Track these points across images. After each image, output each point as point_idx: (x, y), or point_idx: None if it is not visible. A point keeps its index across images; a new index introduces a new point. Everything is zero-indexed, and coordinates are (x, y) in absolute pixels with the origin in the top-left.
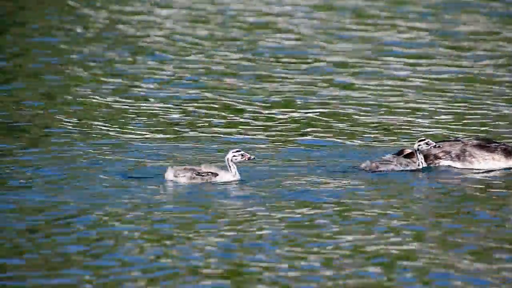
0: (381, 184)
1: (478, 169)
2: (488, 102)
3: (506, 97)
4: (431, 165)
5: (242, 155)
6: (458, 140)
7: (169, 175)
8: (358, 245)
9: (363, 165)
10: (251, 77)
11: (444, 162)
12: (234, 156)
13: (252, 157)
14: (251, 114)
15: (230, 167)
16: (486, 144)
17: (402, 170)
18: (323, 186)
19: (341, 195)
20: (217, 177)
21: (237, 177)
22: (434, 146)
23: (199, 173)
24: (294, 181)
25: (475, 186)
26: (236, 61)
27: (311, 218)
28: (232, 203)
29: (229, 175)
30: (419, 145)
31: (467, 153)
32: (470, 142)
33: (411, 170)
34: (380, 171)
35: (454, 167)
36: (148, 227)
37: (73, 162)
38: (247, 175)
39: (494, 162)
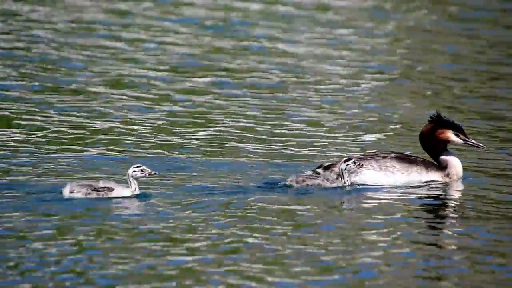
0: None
1: (400, 184)
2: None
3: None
4: (354, 177)
5: (142, 171)
6: (376, 155)
7: (66, 191)
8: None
9: (289, 180)
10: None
11: (366, 172)
12: (134, 171)
13: (153, 172)
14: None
15: (130, 182)
16: (405, 157)
17: (328, 187)
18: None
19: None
20: (113, 192)
21: (137, 192)
22: (359, 165)
23: (94, 188)
24: (199, 197)
25: (404, 203)
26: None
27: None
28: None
29: (127, 191)
30: (347, 165)
31: (388, 164)
32: (389, 155)
33: (338, 187)
34: (307, 185)
35: (375, 184)
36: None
37: None
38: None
39: (415, 174)
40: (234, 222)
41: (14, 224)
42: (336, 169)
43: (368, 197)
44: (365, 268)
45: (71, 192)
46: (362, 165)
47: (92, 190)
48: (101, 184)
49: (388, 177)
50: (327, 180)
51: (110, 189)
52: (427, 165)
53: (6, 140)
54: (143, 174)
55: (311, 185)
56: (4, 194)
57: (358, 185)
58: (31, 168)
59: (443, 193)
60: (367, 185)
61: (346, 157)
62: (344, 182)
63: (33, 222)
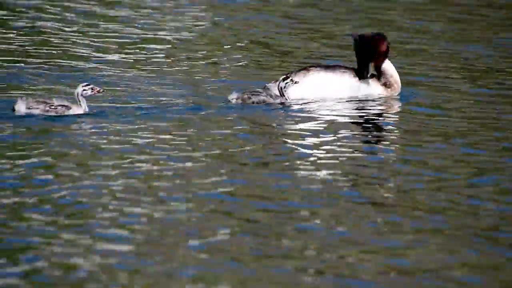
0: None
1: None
2: None
3: None
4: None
5: (92, 89)
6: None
7: (21, 107)
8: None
9: (231, 97)
10: None
11: (314, 72)
12: (84, 90)
13: (102, 89)
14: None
15: (80, 101)
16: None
17: (272, 103)
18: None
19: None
20: (70, 110)
21: (87, 110)
22: (295, 83)
23: (52, 105)
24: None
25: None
26: None
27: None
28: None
29: (80, 110)
30: (286, 83)
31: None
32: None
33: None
34: (252, 102)
35: (312, 99)
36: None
37: None
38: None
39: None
40: (185, 139)
41: None
42: (275, 86)
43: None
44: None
45: (29, 108)
46: (297, 82)
47: (50, 108)
48: (56, 102)
49: (335, 73)
50: (270, 96)
51: (68, 107)
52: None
53: None
54: (93, 93)
55: (256, 102)
56: None
57: (297, 100)
58: None
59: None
60: (306, 100)
61: (284, 75)
62: (286, 99)
63: None
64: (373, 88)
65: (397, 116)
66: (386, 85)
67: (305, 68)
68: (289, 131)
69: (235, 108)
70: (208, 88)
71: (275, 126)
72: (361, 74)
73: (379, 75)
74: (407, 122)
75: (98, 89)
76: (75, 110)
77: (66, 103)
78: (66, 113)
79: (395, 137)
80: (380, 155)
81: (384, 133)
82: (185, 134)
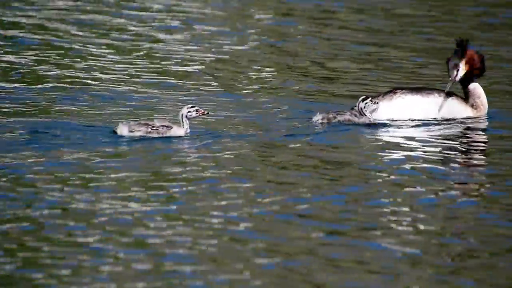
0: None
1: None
2: None
3: None
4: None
5: (197, 111)
6: (392, 91)
7: (123, 130)
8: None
9: (316, 118)
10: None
11: (401, 94)
12: (189, 111)
13: (207, 112)
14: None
15: (183, 122)
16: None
17: (358, 123)
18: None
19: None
20: (171, 131)
21: (188, 131)
22: (375, 103)
23: (153, 126)
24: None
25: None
26: None
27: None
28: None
29: (182, 130)
30: (365, 104)
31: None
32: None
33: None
34: (338, 121)
35: (395, 119)
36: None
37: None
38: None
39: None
40: (284, 159)
41: (78, 165)
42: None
43: (387, 135)
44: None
45: (131, 131)
46: (377, 102)
47: (152, 129)
48: (157, 123)
49: (422, 95)
50: (355, 115)
51: (169, 128)
52: (461, 99)
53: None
54: (198, 114)
55: (342, 121)
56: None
57: (380, 121)
58: (74, 108)
59: (466, 129)
60: (388, 120)
61: (363, 96)
62: (369, 118)
63: (98, 162)
64: (460, 109)
65: (484, 138)
66: (473, 106)
67: (391, 90)
68: (375, 151)
69: (321, 130)
70: (282, 111)
71: (363, 147)
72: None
73: (467, 96)
74: (493, 144)
75: (202, 111)
76: (176, 130)
77: (167, 124)
78: (168, 133)
79: (481, 161)
80: (467, 178)
81: (471, 155)
82: (284, 158)
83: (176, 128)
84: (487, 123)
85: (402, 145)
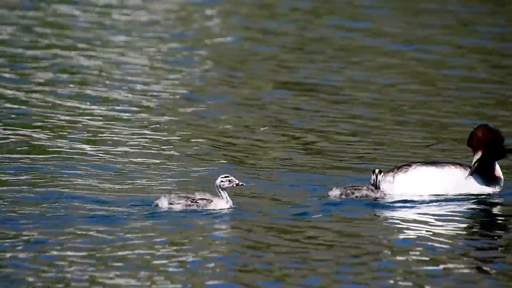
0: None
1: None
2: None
3: None
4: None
5: (230, 181)
6: (409, 165)
7: (164, 203)
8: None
9: (332, 193)
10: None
11: (416, 166)
12: (221, 181)
13: (241, 183)
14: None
15: (220, 193)
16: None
17: (375, 198)
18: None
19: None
20: (211, 203)
21: (230, 203)
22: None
23: (193, 199)
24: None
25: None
26: None
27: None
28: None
29: (223, 202)
30: (377, 177)
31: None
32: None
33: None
34: (356, 197)
35: (411, 194)
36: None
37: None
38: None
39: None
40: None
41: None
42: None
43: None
44: None
45: (171, 204)
46: (238, 183)
47: (192, 202)
48: (198, 195)
49: (437, 167)
50: (372, 190)
51: (209, 201)
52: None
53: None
54: (231, 185)
55: (360, 196)
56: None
57: (397, 194)
58: (111, 184)
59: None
60: (403, 195)
61: (376, 169)
62: (382, 192)
63: (142, 237)
64: (478, 185)
65: (501, 214)
66: (491, 181)
67: (408, 164)
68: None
69: (337, 204)
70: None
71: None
72: (479, 169)
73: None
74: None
75: (237, 181)
76: (217, 203)
77: (207, 196)
78: (208, 206)
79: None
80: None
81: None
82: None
83: (217, 200)
84: (503, 198)
85: (418, 222)
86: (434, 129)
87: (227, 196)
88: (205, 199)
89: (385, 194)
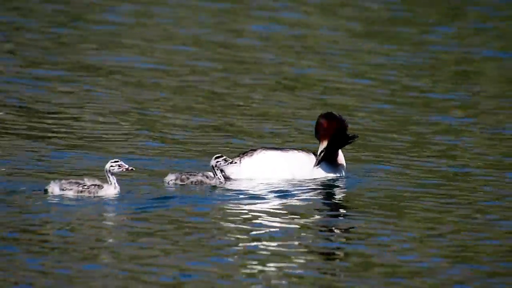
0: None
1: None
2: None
3: None
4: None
5: (120, 166)
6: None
7: (55, 189)
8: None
9: (168, 179)
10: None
11: (262, 150)
12: (111, 166)
13: (131, 168)
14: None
15: (109, 178)
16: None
17: (208, 184)
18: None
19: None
20: (102, 189)
21: (118, 189)
22: (231, 162)
23: (85, 185)
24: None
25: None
26: None
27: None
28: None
29: (112, 188)
30: (217, 162)
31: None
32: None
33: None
34: (191, 182)
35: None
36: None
37: None
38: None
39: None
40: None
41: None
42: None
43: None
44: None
45: (62, 189)
46: (232, 161)
47: (84, 188)
48: (87, 181)
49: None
50: (207, 177)
51: (100, 187)
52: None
53: None
54: (120, 169)
55: (195, 182)
56: None
57: (232, 180)
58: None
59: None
60: (243, 180)
61: (218, 154)
62: (218, 179)
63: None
64: (322, 171)
65: (343, 198)
66: (335, 168)
67: (254, 149)
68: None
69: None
70: None
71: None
72: (328, 156)
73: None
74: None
75: (126, 166)
76: (106, 189)
77: (98, 182)
78: (98, 193)
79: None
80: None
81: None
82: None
83: (107, 187)
84: (346, 183)
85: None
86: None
87: (115, 182)
88: (95, 185)
89: (220, 181)
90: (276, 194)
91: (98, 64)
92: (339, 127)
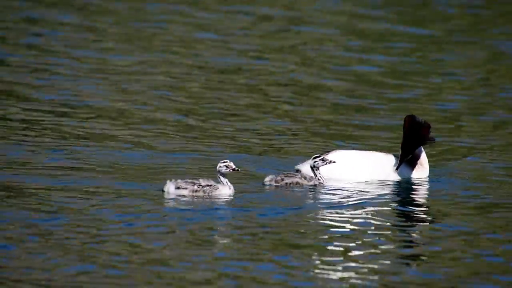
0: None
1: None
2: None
3: None
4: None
5: (227, 166)
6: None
7: (171, 188)
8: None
9: (267, 180)
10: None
11: (334, 168)
12: (219, 166)
13: (238, 169)
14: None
15: (220, 178)
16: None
17: (307, 185)
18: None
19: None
20: (216, 190)
21: (232, 190)
22: (330, 162)
23: (200, 185)
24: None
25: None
26: None
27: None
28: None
29: (226, 188)
30: (315, 162)
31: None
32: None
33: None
34: (286, 184)
35: (345, 179)
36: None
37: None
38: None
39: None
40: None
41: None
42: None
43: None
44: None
45: (177, 188)
46: (331, 161)
47: (199, 187)
48: (202, 182)
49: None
50: (305, 178)
51: (215, 187)
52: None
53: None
54: (228, 170)
55: (290, 183)
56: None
57: (329, 181)
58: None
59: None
60: (339, 180)
61: (315, 154)
62: (318, 179)
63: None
64: (407, 171)
65: (427, 197)
66: (418, 168)
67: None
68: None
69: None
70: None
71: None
72: (404, 157)
73: (414, 159)
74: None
75: (233, 166)
76: (221, 190)
77: (212, 183)
78: (213, 193)
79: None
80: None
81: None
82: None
83: (221, 187)
84: (430, 184)
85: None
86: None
87: (228, 181)
88: (210, 185)
89: (320, 181)
90: (356, 197)
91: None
92: (414, 128)
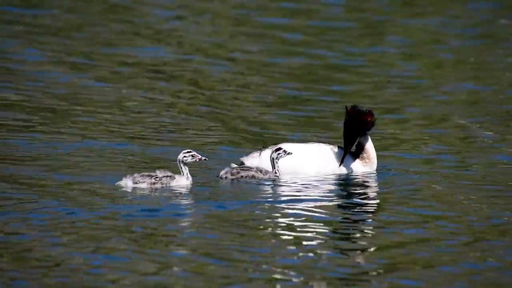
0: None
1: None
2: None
3: None
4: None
5: (193, 156)
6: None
7: (128, 182)
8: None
9: (223, 172)
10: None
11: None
12: (184, 156)
13: (204, 158)
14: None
15: (181, 168)
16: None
17: (261, 178)
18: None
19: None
20: (174, 180)
21: (190, 180)
22: (289, 153)
23: (157, 177)
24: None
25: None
26: None
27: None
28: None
29: (184, 179)
30: (278, 154)
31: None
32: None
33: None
34: (242, 177)
35: (296, 172)
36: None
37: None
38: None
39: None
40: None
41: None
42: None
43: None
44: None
45: (135, 183)
46: (289, 153)
47: (156, 180)
48: (159, 173)
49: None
50: (260, 171)
51: (172, 177)
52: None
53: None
54: (194, 160)
55: (246, 176)
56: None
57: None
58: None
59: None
60: (291, 174)
61: (276, 146)
62: (275, 172)
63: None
64: (353, 163)
65: (376, 189)
66: (365, 161)
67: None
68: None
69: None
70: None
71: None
72: (348, 148)
73: (360, 151)
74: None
75: (199, 156)
76: (179, 180)
77: (169, 174)
78: (171, 184)
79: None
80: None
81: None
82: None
83: (178, 178)
84: (376, 177)
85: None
86: None
87: (188, 173)
88: (167, 176)
89: (276, 174)
90: (310, 191)
91: None
92: (356, 116)
